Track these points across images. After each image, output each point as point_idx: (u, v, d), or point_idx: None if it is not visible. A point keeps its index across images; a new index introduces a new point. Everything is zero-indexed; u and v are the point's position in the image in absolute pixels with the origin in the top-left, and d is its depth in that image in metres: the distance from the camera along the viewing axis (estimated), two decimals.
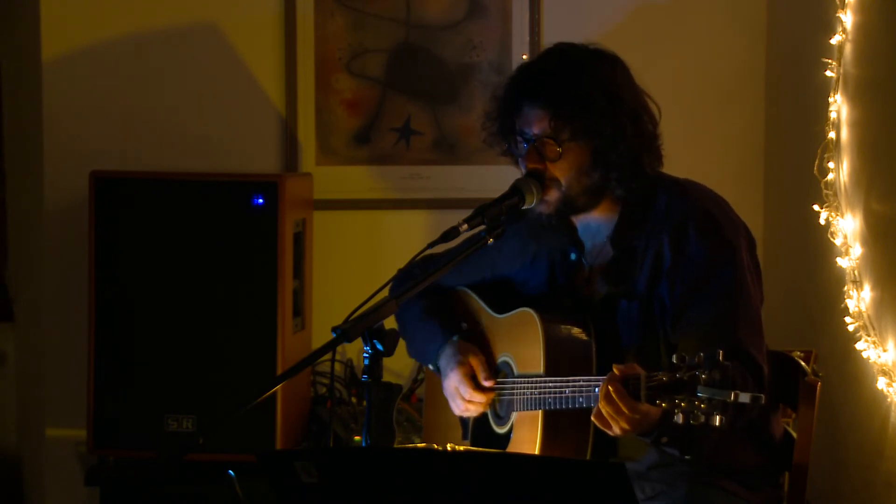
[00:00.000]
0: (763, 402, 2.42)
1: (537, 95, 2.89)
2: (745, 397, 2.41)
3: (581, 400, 2.74)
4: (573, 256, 3.01)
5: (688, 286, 2.83)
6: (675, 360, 2.50)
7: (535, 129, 2.90)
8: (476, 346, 3.10)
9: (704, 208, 2.90)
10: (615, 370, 2.61)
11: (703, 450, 2.76)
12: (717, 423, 2.44)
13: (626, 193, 2.91)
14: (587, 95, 2.86)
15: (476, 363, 3.04)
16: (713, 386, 2.44)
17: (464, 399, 3.04)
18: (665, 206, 2.90)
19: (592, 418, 2.65)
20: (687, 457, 2.77)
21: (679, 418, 2.47)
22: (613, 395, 2.59)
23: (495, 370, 3.07)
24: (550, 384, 2.82)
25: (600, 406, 2.62)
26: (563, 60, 2.94)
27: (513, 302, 3.04)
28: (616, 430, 2.64)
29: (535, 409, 2.86)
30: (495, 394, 3.04)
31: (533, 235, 3.05)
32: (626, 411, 2.59)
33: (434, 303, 3.19)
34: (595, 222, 2.98)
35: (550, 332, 2.89)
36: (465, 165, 4.30)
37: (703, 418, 2.45)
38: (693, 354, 2.48)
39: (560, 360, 2.86)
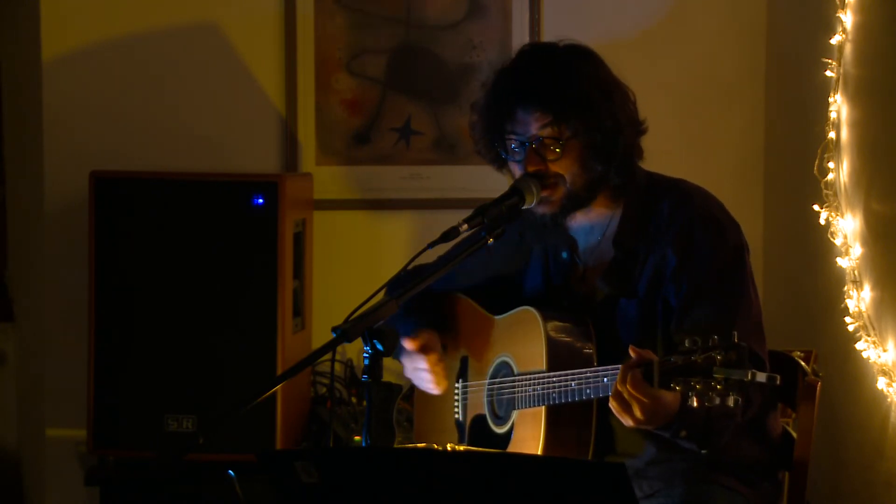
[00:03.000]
0: (778, 382, 2.42)
1: (532, 98, 2.88)
2: (761, 376, 2.41)
3: (589, 391, 2.74)
4: (565, 255, 3.01)
5: (694, 286, 2.84)
6: (688, 344, 2.50)
7: (532, 132, 2.89)
8: (468, 346, 3.12)
9: (709, 212, 2.91)
10: (631, 352, 2.61)
11: (721, 441, 2.77)
12: (732, 404, 2.44)
13: (621, 182, 2.92)
14: (583, 92, 2.87)
15: (409, 340, 3.08)
16: (729, 366, 2.44)
17: (419, 368, 3.09)
18: (668, 211, 2.91)
19: (610, 403, 2.65)
20: (704, 451, 2.77)
21: (693, 402, 2.46)
22: (628, 379, 2.59)
23: (494, 370, 3.07)
24: (555, 378, 2.82)
25: (619, 387, 2.61)
26: (547, 60, 2.93)
27: (509, 303, 3.04)
28: (630, 419, 2.63)
29: (539, 405, 2.86)
30: (493, 393, 3.04)
31: (525, 236, 3.06)
32: (638, 395, 2.59)
33: (415, 303, 3.19)
34: (589, 220, 2.98)
35: (551, 328, 2.89)
36: (465, 165, 4.31)
37: (717, 400, 2.44)
38: (707, 338, 2.48)
39: (562, 356, 2.86)
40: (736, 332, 2.47)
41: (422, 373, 3.12)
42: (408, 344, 3.09)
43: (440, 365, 3.11)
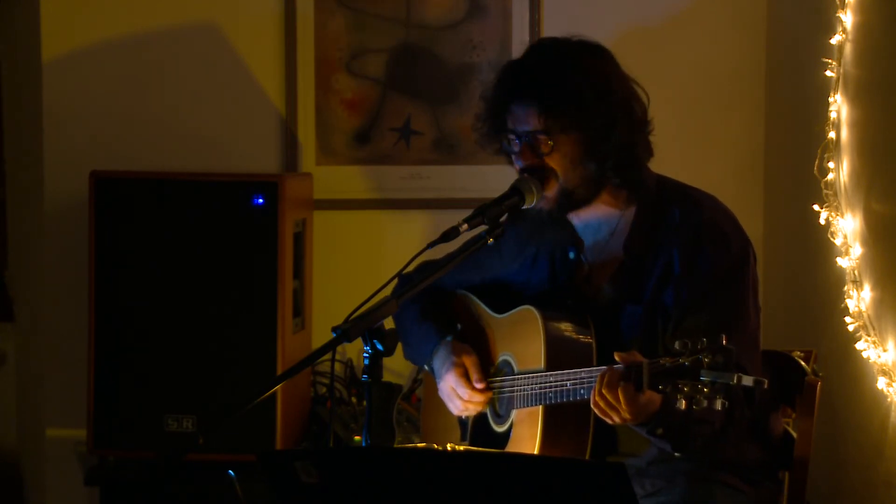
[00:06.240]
0: (765, 386, 2.42)
1: (525, 92, 2.90)
2: (748, 380, 2.42)
3: (583, 392, 2.74)
4: (571, 254, 3.01)
5: (692, 295, 2.84)
6: (677, 346, 2.50)
7: (526, 126, 2.90)
8: (472, 346, 3.10)
9: (716, 223, 2.91)
10: (616, 357, 2.62)
11: (695, 446, 2.77)
12: (720, 407, 2.44)
13: (623, 181, 2.92)
14: (574, 87, 2.86)
15: (469, 363, 3.04)
16: (716, 369, 2.44)
17: (462, 399, 3.04)
18: (678, 218, 2.91)
19: (592, 405, 2.65)
20: (677, 454, 2.78)
21: (681, 404, 2.47)
22: (614, 383, 2.59)
23: (496, 369, 3.07)
24: (552, 378, 2.82)
25: (603, 391, 2.62)
26: (547, 54, 2.94)
27: (513, 302, 3.04)
28: (616, 419, 2.64)
29: (536, 404, 2.86)
30: (493, 392, 3.04)
31: (532, 235, 3.06)
32: (622, 402, 2.59)
33: (430, 305, 3.19)
34: (595, 219, 2.98)
35: (551, 327, 2.89)
36: (465, 165, 4.30)
37: (705, 403, 2.45)
38: (696, 341, 2.48)
39: (561, 356, 2.86)
40: (724, 336, 2.47)
41: (456, 400, 3.06)
42: (478, 383, 3.03)
43: (478, 400, 3.07)
